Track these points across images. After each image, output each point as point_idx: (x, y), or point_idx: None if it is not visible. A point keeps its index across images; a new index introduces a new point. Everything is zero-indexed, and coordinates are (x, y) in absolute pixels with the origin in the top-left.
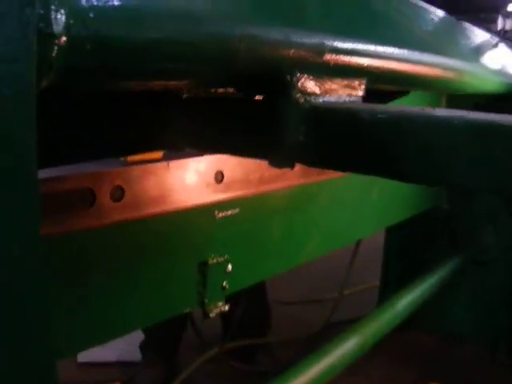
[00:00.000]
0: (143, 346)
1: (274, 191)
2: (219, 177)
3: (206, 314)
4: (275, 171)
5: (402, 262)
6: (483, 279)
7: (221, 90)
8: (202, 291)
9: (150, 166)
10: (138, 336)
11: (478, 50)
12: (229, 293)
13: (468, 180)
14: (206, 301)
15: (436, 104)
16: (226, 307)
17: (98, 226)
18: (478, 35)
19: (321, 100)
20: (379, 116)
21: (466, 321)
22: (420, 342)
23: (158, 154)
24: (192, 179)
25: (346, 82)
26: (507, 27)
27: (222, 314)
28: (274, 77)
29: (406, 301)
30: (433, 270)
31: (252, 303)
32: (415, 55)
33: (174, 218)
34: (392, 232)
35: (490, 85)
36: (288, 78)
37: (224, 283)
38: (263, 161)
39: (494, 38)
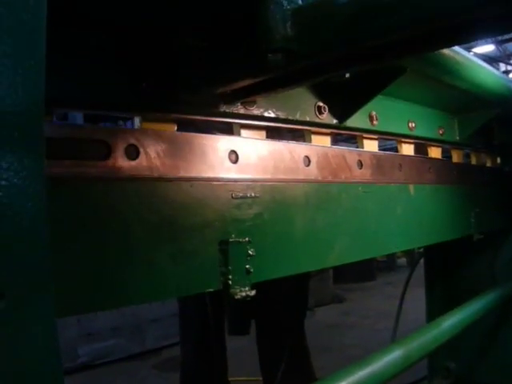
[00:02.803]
0: None
1: (292, 182)
2: (233, 157)
3: (231, 297)
4: (290, 163)
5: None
6: None
7: None
8: (225, 271)
9: (164, 132)
10: None
11: None
12: (255, 280)
13: None
14: (230, 282)
15: (448, 125)
16: (253, 292)
17: (113, 178)
18: None
19: None
20: None
21: None
22: None
23: (172, 127)
24: (206, 153)
25: None
26: None
27: (265, 380)
28: None
29: (450, 322)
30: (477, 297)
31: (293, 368)
32: None
33: (189, 188)
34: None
35: None
36: None
37: (247, 266)
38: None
39: None
